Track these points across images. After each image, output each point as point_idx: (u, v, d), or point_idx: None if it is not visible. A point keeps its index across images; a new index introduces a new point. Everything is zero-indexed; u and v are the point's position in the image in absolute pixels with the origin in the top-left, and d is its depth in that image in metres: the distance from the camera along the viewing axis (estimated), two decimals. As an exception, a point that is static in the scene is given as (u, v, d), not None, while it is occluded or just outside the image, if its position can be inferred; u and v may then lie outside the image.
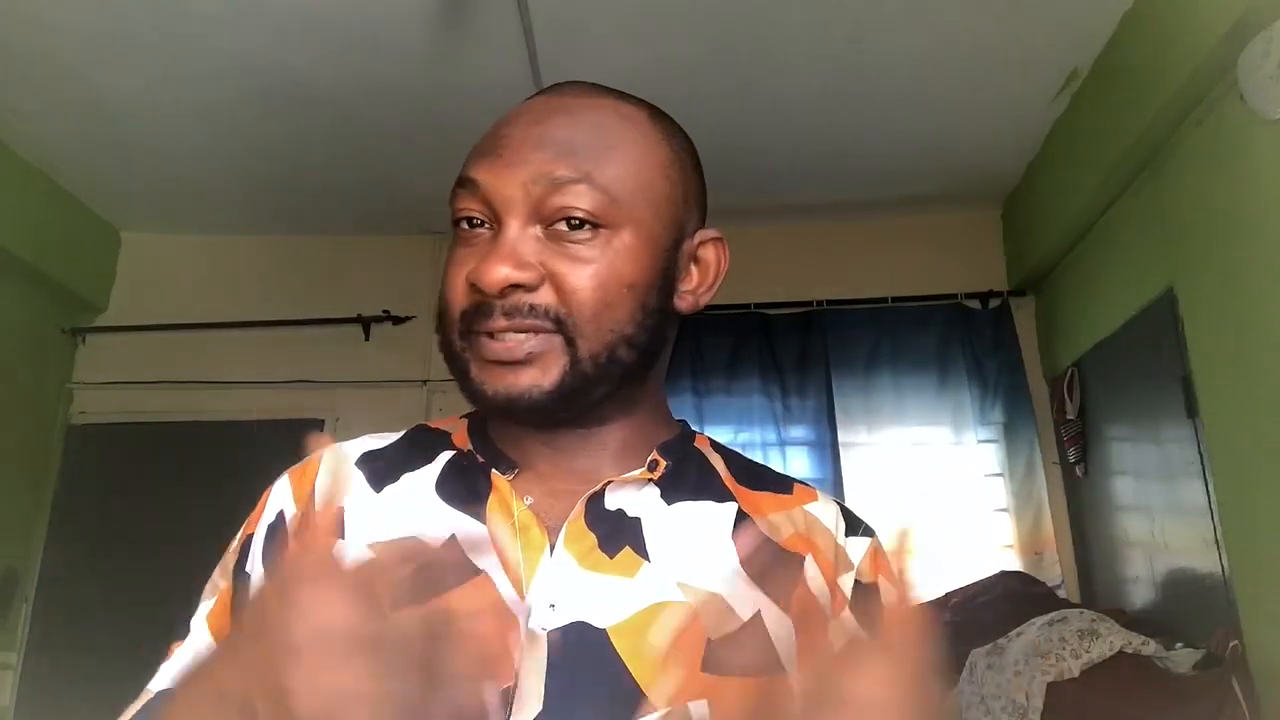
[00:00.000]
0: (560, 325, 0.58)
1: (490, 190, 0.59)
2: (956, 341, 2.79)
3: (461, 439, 0.67)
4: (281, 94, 2.31)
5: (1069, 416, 2.51)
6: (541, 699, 0.53)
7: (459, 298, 0.60)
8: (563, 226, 0.58)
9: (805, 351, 2.82)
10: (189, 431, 2.92)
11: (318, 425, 2.89)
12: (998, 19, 2.01)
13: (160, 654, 0.63)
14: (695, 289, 0.66)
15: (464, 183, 0.61)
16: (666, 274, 0.63)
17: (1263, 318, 1.62)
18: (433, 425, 0.72)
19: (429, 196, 2.85)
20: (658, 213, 0.62)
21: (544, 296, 0.58)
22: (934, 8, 1.98)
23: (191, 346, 3.00)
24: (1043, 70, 2.21)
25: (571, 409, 0.61)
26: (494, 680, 0.53)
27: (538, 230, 0.59)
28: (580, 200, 0.58)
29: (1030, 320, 2.83)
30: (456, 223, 0.61)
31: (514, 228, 0.58)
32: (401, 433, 0.71)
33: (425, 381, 2.94)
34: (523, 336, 0.58)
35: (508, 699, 0.53)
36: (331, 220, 3.07)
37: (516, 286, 0.57)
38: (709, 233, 0.67)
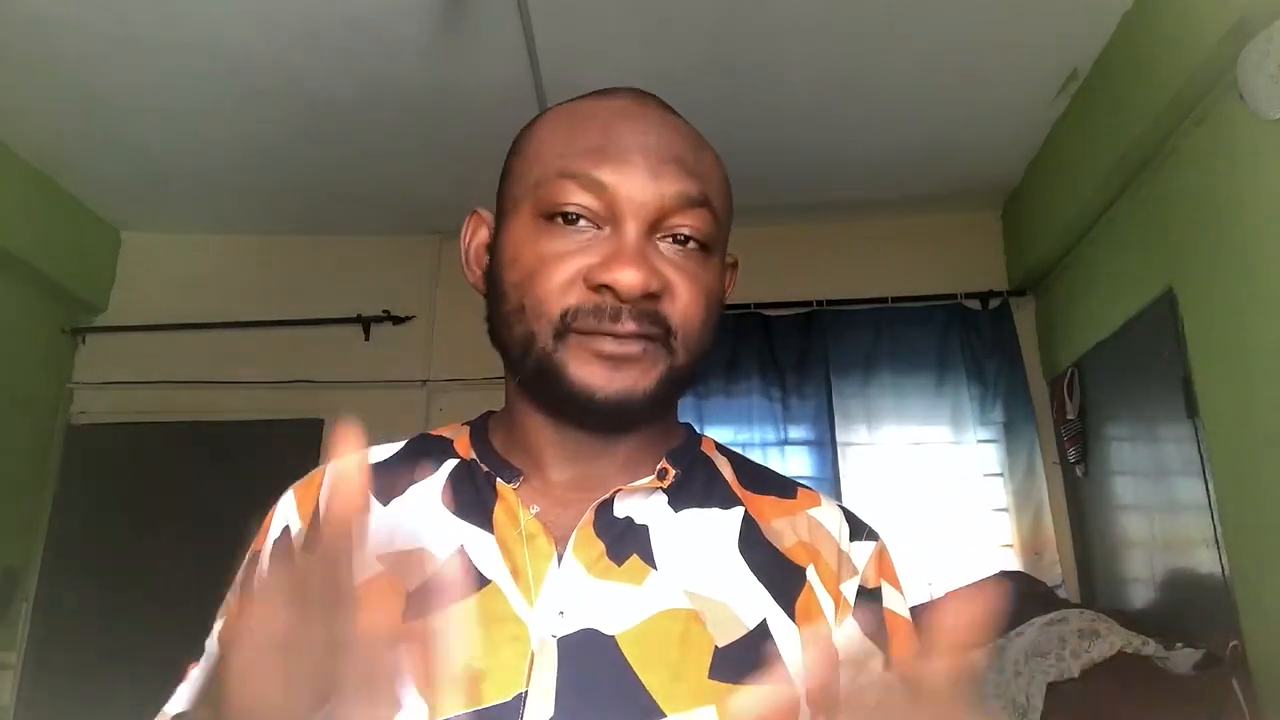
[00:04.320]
0: (668, 334, 0.59)
1: (623, 194, 0.58)
2: (956, 341, 2.79)
3: (464, 447, 0.67)
4: (281, 94, 2.31)
5: (1069, 416, 2.51)
6: (553, 705, 0.53)
7: (565, 294, 0.58)
8: (671, 241, 0.60)
9: (805, 351, 2.82)
10: (189, 431, 2.92)
11: (318, 425, 2.89)
12: (998, 19, 2.01)
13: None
14: None
15: (581, 178, 0.58)
16: None
17: (1263, 318, 1.62)
18: (434, 434, 0.71)
19: (429, 196, 2.85)
20: (728, 236, 0.66)
21: (665, 306, 0.59)
22: (934, 8, 1.98)
23: (191, 346, 3.00)
24: (1043, 70, 2.21)
25: (652, 413, 0.62)
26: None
27: (654, 240, 0.59)
28: (701, 222, 0.60)
29: (1030, 320, 2.83)
30: (553, 215, 0.59)
31: (636, 233, 0.58)
32: (403, 443, 0.70)
33: (425, 381, 2.94)
34: (640, 338, 0.58)
35: (520, 705, 0.53)
36: (331, 220, 3.07)
37: (649, 294, 0.57)
38: (731, 256, 0.70)
